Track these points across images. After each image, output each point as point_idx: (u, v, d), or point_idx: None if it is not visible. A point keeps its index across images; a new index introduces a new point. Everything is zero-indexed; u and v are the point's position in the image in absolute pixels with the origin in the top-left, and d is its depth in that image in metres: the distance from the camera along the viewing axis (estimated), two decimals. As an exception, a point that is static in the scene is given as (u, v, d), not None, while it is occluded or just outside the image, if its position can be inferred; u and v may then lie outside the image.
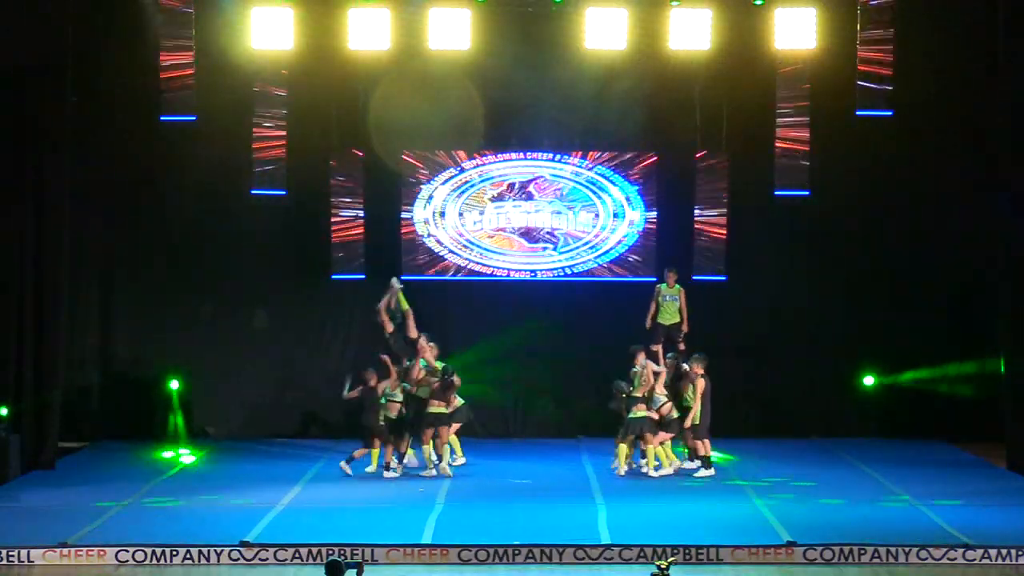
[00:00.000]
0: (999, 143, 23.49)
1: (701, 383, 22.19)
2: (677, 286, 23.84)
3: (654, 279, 24.58)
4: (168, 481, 22.08)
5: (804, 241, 26.01)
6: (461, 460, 22.94)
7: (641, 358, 22.39)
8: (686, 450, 22.81)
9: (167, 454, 24.50)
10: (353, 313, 26.03)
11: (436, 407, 22.43)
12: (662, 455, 22.51)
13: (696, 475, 22.22)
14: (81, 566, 17.35)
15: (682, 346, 23.41)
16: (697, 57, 24.73)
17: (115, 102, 25.21)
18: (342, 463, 22.44)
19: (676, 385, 22.59)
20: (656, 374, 22.35)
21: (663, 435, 22.44)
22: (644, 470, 22.33)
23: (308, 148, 25.45)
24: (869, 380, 25.96)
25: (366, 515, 19.46)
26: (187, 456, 24.35)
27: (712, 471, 22.23)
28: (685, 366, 22.60)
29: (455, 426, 22.79)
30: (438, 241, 26.11)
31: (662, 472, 22.35)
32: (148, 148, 25.35)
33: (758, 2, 24.51)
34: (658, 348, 23.26)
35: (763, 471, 22.66)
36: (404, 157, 26.09)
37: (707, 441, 22.32)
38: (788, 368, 26.05)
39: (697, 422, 22.18)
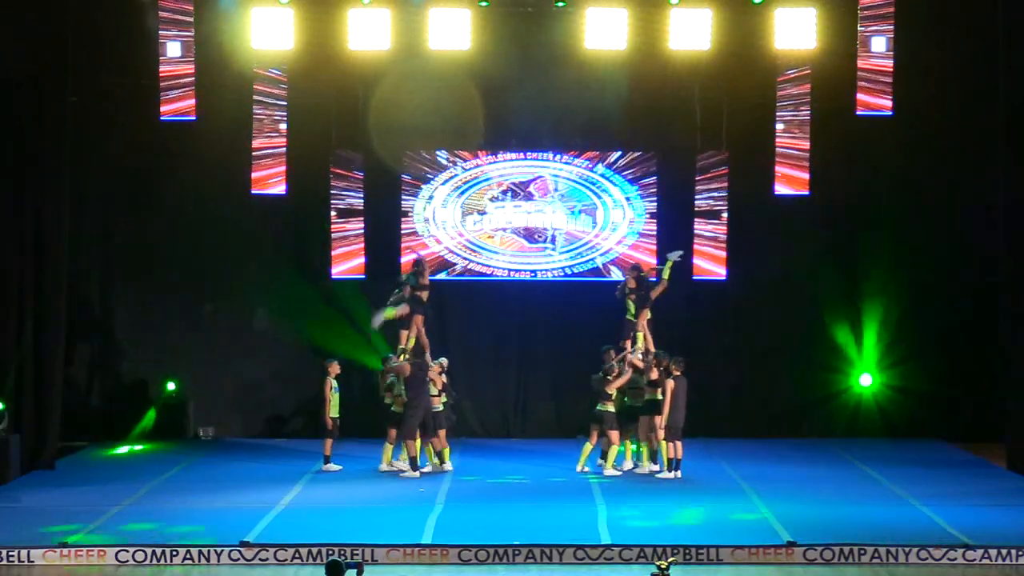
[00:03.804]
0: (999, 143, 23.48)
1: (671, 384, 22.09)
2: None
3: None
4: (168, 481, 22.07)
5: (804, 241, 26.00)
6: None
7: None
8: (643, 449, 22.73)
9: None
10: (352, 313, 26.02)
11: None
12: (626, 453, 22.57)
13: (659, 476, 22.15)
14: (81, 566, 17.35)
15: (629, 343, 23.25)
16: (697, 57, 24.75)
17: (115, 102, 25.21)
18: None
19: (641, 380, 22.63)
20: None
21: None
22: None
23: (308, 148, 25.45)
24: (868, 380, 25.95)
25: (366, 515, 19.45)
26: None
27: (677, 474, 22.04)
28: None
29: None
30: (438, 241, 26.10)
31: (624, 468, 22.44)
32: (148, 148, 25.37)
33: (756, 1, 24.53)
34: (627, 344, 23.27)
35: (763, 471, 22.64)
36: (404, 157, 26.08)
37: (678, 443, 22.16)
38: (788, 367, 26.02)
39: (667, 423, 22.08)
